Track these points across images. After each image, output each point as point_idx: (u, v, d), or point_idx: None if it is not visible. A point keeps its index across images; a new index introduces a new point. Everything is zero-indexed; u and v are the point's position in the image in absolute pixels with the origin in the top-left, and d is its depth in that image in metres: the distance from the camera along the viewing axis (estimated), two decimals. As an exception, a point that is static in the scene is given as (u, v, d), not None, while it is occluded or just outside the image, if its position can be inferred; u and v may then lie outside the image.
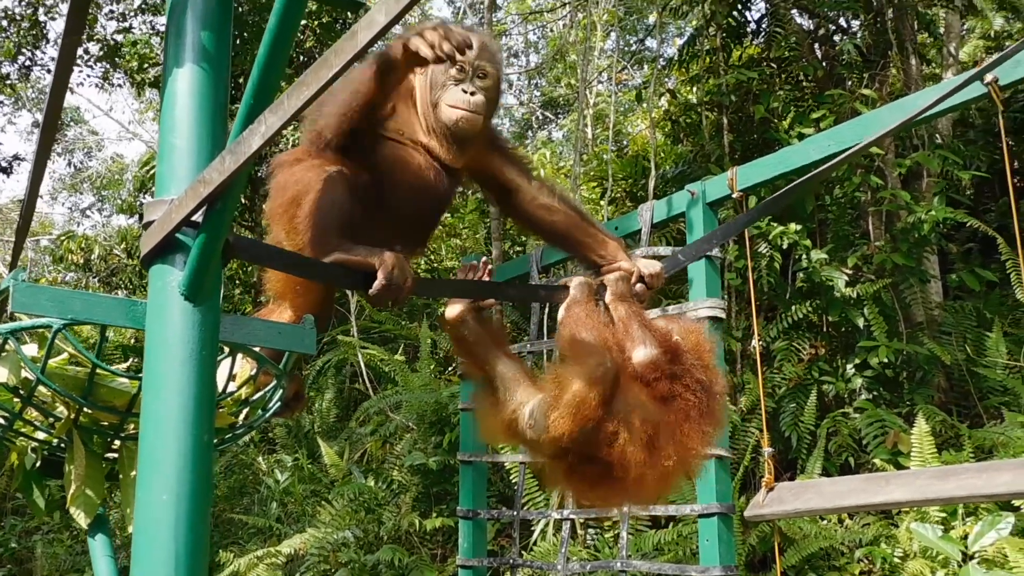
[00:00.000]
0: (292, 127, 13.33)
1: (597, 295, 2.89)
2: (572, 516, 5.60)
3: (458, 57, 2.61)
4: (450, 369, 12.84)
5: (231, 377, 2.63)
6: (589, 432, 2.54)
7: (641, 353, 2.72)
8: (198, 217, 2.12)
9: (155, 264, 2.21)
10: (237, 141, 1.96)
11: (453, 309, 2.86)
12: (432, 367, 12.04)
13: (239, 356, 2.58)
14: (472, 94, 2.83)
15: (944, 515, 7.60)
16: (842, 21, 12.55)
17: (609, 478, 2.62)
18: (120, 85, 17.94)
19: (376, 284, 2.50)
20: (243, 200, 15.65)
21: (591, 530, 9.24)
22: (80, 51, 16.11)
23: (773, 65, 11.95)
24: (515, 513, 5.71)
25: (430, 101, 2.87)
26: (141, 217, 2.26)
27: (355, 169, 2.82)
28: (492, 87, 2.90)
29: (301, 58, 14.23)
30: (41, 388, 2.63)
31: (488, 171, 3.13)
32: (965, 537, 7.21)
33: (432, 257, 17.00)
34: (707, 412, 2.73)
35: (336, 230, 2.64)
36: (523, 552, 8.74)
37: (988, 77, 3.65)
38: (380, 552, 9.12)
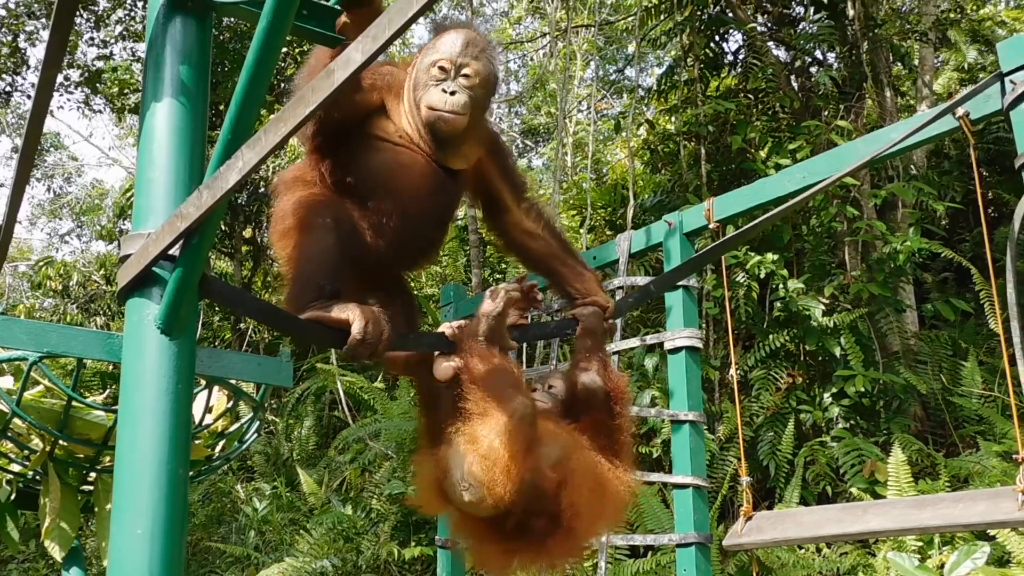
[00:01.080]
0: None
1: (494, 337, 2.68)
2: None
3: (437, 56, 2.59)
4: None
5: (208, 409, 2.63)
6: (530, 483, 2.43)
7: (588, 378, 2.75)
8: (175, 251, 2.12)
9: (132, 297, 2.21)
10: (214, 176, 1.97)
11: (445, 369, 2.67)
12: (411, 395, 12.00)
13: (216, 388, 2.58)
14: (452, 93, 2.68)
15: (921, 544, 7.62)
16: (818, 53, 12.69)
17: (558, 528, 2.53)
18: (100, 111, 17.90)
19: (349, 341, 2.43)
20: (223, 227, 15.63)
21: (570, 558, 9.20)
22: (60, 77, 16.10)
23: (750, 96, 12.06)
24: (493, 543, 5.68)
25: (414, 101, 2.75)
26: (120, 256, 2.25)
27: (351, 181, 2.73)
28: (478, 85, 2.74)
29: (283, 86, 14.27)
30: (16, 420, 2.62)
31: (485, 179, 3.02)
32: (941, 567, 7.23)
33: (412, 285, 16.97)
34: (617, 455, 2.73)
35: (314, 286, 2.52)
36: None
37: (959, 111, 3.70)
38: (358, 582, 9.06)
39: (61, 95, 16.87)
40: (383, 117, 2.79)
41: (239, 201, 14.63)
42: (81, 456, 2.76)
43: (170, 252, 2.12)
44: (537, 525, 2.52)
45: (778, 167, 9.37)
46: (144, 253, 2.16)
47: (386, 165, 2.74)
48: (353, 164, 2.74)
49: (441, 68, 2.70)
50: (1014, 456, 3.61)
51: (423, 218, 2.79)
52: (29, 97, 16.52)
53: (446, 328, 2.72)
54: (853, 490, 8.38)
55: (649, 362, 9.91)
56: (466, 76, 2.72)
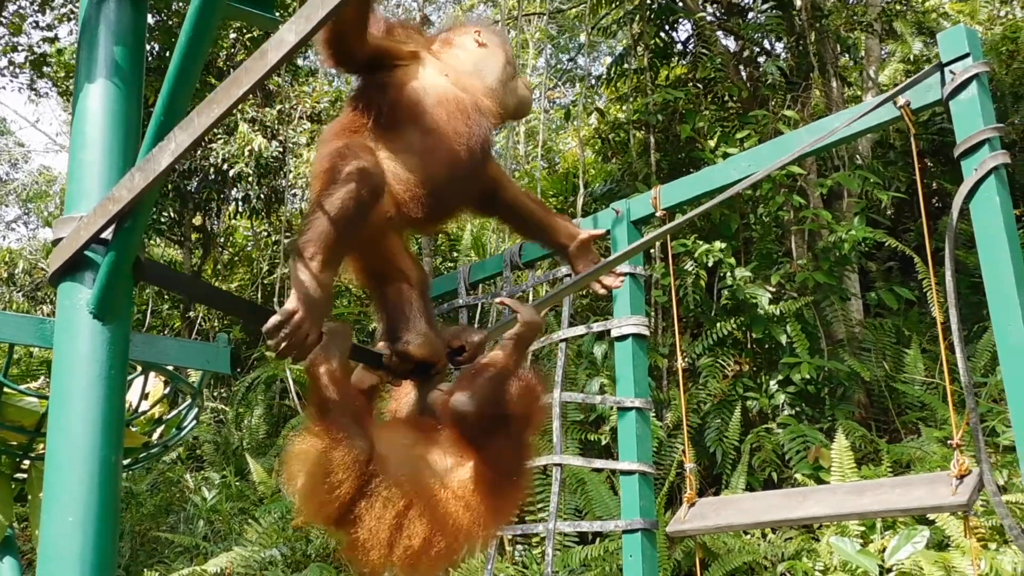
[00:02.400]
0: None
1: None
2: (499, 532, 5.60)
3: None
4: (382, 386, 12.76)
5: (144, 396, 2.59)
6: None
7: (498, 401, 2.59)
8: (108, 235, 2.09)
9: (64, 282, 2.17)
10: (147, 158, 1.95)
11: (364, 379, 2.64)
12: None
13: (152, 374, 2.55)
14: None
15: (863, 529, 7.74)
16: (766, 43, 12.78)
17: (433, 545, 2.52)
18: (46, 95, 17.59)
19: (268, 322, 2.26)
20: (172, 215, 15.47)
21: (519, 546, 9.24)
22: (4, 60, 15.80)
23: (699, 85, 12.13)
24: (441, 530, 5.68)
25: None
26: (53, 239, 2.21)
27: (389, 122, 2.63)
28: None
29: (232, 71, 14.12)
30: (-54, 408, 2.57)
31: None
32: (883, 551, 7.36)
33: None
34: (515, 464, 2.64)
35: (313, 245, 2.35)
36: (450, 569, 8.70)
37: (900, 101, 3.75)
38: (308, 571, 9.03)
39: (5, 77, 16.57)
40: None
41: (188, 188, 14.48)
42: (14, 444, 2.71)
43: (102, 236, 2.09)
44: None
45: (726, 156, 9.43)
46: (76, 237, 2.13)
47: (428, 102, 2.65)
48: (392, 108, 2.64)
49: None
50: (950, 442, 3.67)
51: (461, 166, 2.68)
52: (-30, 80, 16.20)
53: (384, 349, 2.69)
54: (798, 476, 8.49)
55: (598, 349, 9.95)
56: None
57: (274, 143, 13.98)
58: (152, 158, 1.93)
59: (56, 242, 2.20)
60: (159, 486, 12.19)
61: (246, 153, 13.52)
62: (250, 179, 13.80)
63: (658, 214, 4.86)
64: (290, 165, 14.20)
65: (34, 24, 15.63)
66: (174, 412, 2.76)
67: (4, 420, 2.60)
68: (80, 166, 2.23)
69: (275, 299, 14.26)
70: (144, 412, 2.68)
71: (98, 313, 2.11)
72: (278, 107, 14.46)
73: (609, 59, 15.96)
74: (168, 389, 2.65)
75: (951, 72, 3.59)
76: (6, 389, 2.50)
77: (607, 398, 5.27)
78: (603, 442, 9.53)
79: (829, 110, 11.17)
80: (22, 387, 2.63)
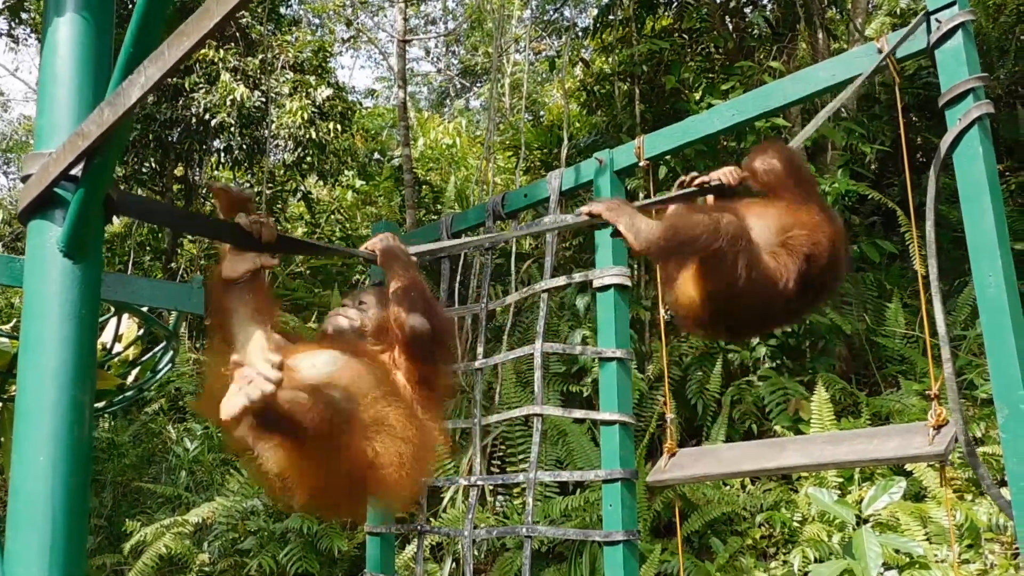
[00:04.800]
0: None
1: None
2: (480, 483, 5.61)
3: None
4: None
5: (117, 338, 2.56)
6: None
7: (415, 321, 2.72)
8: (78, 171, 2.05)
9: (34, 219, 2.14)
10: (116, 92, 1.90)
11: (237, 266, 2.58)
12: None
13: (125, 316, 2.51)
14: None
15: (841, 480, 7.82)
16: (753, -7, 12.68)
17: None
18: (26, 43, 17.30)
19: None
20: (153, 165, 15.31)
21: (500, 497, 9.30)
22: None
23: (685, 36, 12.04)
24: (423, 480, 5.69)
25: None
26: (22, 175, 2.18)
27: None
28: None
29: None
30: (-83, 349, 2.54)
31: None
32: (860, 501, 7.43)
33: (347, 225, 16.85)
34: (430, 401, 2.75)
35: None
36: (432, 519, 8.75)
37: (885, 49, 3.72)
38: (289, 520, 9.06)
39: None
40: None
41: (170, 139, 14.29)
42: (-14, 385, 2.69)
43: (72, 172, 2.05)
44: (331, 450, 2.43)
45: (711, 107, 9.37)
46: (45, 173, 2.09)
47: None
48: None
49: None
50: (927, 392, 3.69)
51: None
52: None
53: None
54: (777, 428, 8.55)
55: (580, 301, 9.95)
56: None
57: (256, 93, 13.83)
58: (122, 92, 1.88)
59: (25, 179, 2.16)
60: (141, 437, 12.17)
61: (228, 103, 13.37)
62: (232, 129, 13.65)
63: (641, 164, 4.83)
64: (272, 115, 14.06)
65: (11, -33, 15.37)
66: (149, 355, 2.73)
67: (-25, 362, 2.57)
68: (49, 101, 2.19)
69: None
70: (118, 354, 2.65)
71: (68, 251, 2.08)
72: (260, 56, 14.27)
73: (595, 11, 15.83)
74: (142, 331, 2.62)
75: (937, 20, 3.57)
76: (-23, 330, 2.47)
77: (588, 349, 5.26)
78: (585, 394, 9.56)
79: (815, 62, 11.10)
80: (-6, 328, 2.60)
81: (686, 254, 2.93)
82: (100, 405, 2.74)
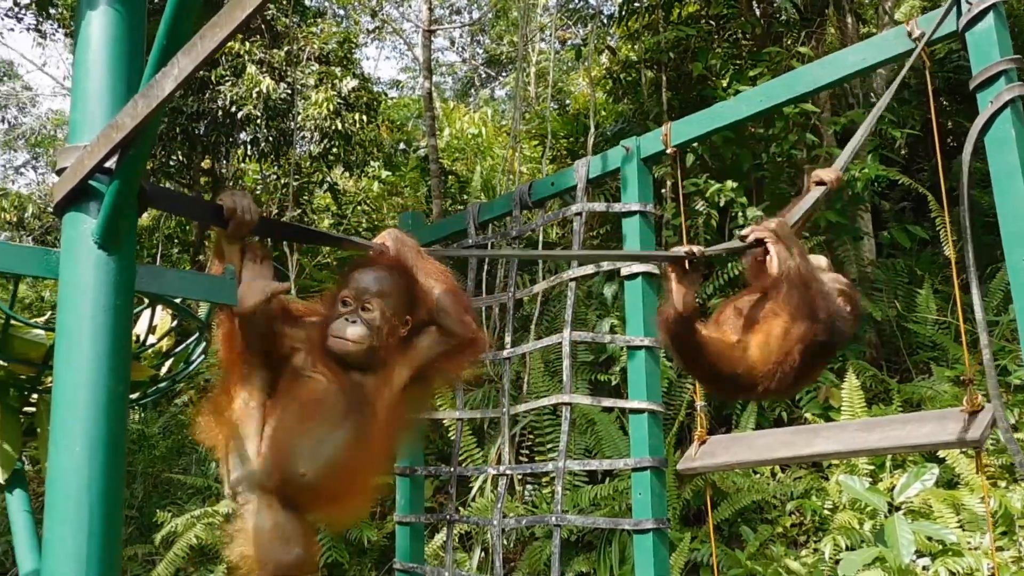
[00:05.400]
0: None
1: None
2: (509, 472, 5.62)
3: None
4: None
5: (151, 329, 2.58)
6: None
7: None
8: (111, 164, 2.06)
9: (68, 212, 2.15)
10: (150, 84, 1.91)
11: (247, 300, 2.58)
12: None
13: (159, 307, 2.53)
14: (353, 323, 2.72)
15: (873, 467, 7.77)
16: (781, -22, 12.58)
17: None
18: (54, 39, 17.43)
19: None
20: (180, 157, 15.40)
21: (529, 486, 9.31)
22: (9, 2, 15.64)
23: (712, 22, 11.96)
24: (453, 470, 5.71)
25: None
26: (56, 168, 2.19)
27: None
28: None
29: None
30: (-46, 341, 2.56)
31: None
32: (892, 489, 7.39)
33: (374, 216, 16.89)
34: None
35: None
36: (460, 508, 8.78)
37: (916, 32, 3.69)
38: (318, 510, 9.10)
39: (11, 19, 16.41)
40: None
41: (197, 132, 14.35)
42: (22, 377, 2.71)
43: (106, 165, 2.06)
44: None
45: (738, 94, 9.32)
46: (80, 166, 2.10)
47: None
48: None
49: (343, 302, 2.75)
50: (962, 378, 3.65)
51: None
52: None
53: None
54: (808, 416, 8.51)
55: (608, 290, 9.93)
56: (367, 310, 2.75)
57: (282, 85, 13.86)
58: (155, 84, 1.89)
59: (60, 172, 2.18)
60: (171, 428, 12.28)
61: (254, 95, 13.41)
62: (258, 121, 13.70)
63: (668, 151, 4.80)
64: (298, 107, 14.10)
65: (37, -37, 15.47)
66: (182, 346, 2.75)
67: (11, 353, 2.59)
68: (82, 94, 2.20)
69: (283, 242, 14.23)
70: (152, 345, 2.67)
71: (103, 243, 2.08)
72: (286, 48, 14.31)
73: (620, -2, 15.76)
74: (176, 322, 2.63)
75: (967, 2, 3.52)
76: (13, 322, 2.49)
77: (617, 338, 5.25)
78: (613, 382, 9.54)
79: (844, 47, 11.00)
80: (28, 319, 2.62)
81: (801, 296, 3.25)
82: (134, 396, 2.76)
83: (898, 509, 7.26)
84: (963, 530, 7.00)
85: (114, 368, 2.06)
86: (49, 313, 2.95)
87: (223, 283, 2.40)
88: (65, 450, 2.01)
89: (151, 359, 2.79)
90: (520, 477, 9.24)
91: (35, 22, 16.67)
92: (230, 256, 2.53)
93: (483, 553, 8.74)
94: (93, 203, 2.12)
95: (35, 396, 2.82)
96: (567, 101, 18.26)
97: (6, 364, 2.68)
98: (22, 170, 30.87)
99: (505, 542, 8.82)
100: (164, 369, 2.84)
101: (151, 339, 2.65)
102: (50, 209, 18.99)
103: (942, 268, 10.17)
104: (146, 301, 2.47)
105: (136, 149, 2.01)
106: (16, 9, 15.96)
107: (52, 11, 15.40)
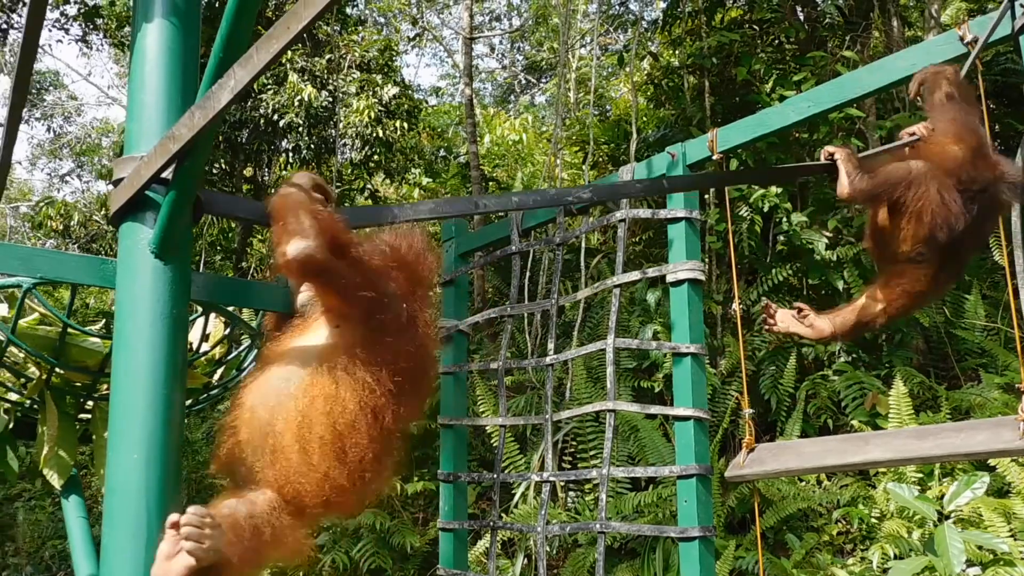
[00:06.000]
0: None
1: None
2: (552, 479, 5.61)
3: None
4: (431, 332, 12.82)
5: (204, 337, 2.60)
6: None
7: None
8: (167, 174, 2.09)
9: (125, 222, 2.18)
10: (206, 96, 1.93)
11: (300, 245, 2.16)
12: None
13: (212, 315, 2.55)
14: None
15: (921, 476, 7.67)
16: (825, -18, 12.48)
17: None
18: (99, 49, 17.70)
19: None
20: (223, 166, 15.56)
21: (572, 493, 9.29)
22: (56, 13, 15.89)
23: (755, 27, 11.89)
24: (496, 476, 5.71)
25: None
26: (113, 179, 2.22)
27: None
28: None
29: (277, 18, 14.07)
30: (12, 349, 2.60)
31: None
32: (941, 497, 7.28)
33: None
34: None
35: None
36: (504, 515, 8.78)
37: (968, 37, 3.63)
38: (361, 516, 9.14)
39: (58, 30, 16.69)
40: None
41: (240, 140, 14.51)
42: (78, 384, 2.75)
43: (163, 175, 2.09)
44: None
45: (782, 99, 9.25)
46: (136, 176, 2.13)
47: None
48: None
49: None
50: (1017, 386, 3.59)
51: None
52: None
53: None
54: (854, 423, 8.41)
55: (651, 296, 9.90)
56: None
57: (323, 93, 13.97)
58: (211, 95, 1.91)
59: (116, 182, 2.21)
60: (214, 434, 12.39)
61: (296, 103, 13.53)
62: (300, 129, 13.81)
63: (714, 157, 4.77)
64: (340, 115, 14.20)
65: (86, -25, 15.70)
66: (234, 353, 2.78)
67: (68, 361, 2.63)
68: (139, 106, 2.23)
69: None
70: (205, 353, 2.70)
71: (159, 252, 2.11)
72: (327, 56, 14.42)
73: (661, 3, 15.72)
74: (228, 330, 2.65)
75: (1021, 6, 3.47)
76: (70, 330, 2.52)
77: (662, 344, 5.22)
78: (656, 389, 9.50)
79: (889, 51, 10.90)
80: (84, 328, 2.66)
81: (884, 198, 3.43)
82: (187, 403, 2.79)
83: (947, 518, 7.15)
84: (1015, 539, 6.89)
85: (171, 376, 2.09)
86: (103, 321, 3.00)
87: (276, 291, 2.43)
88: (124, 457, 2.04)
89: (204, 366, 2.82)
90: (563, 484, 9.22)
91: (81, 33, 16.92)
92: None
93: (526, 560, 8.72)
94: (149, 213, 2.15)
95: (90, 403, 2.85)
96: (607, 107, 18.23)
97: (63, 371, 2.71)
98: (67, 178, 31.33)
99: (548, 549, 8.81)
100: (216, 376, 2.87)
101: (204, 346, 2.68)
102: (96, 217, 19.28)
103: (991, 273, 10.02)
104: (199, 309, 2.49)
105: (192, 159, 2.03)
106: (63, 20, 16.21)
107: (98, 21, 15.62)
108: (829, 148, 3.64)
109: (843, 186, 3.47)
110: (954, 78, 3.53)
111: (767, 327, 3.86)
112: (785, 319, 3.85)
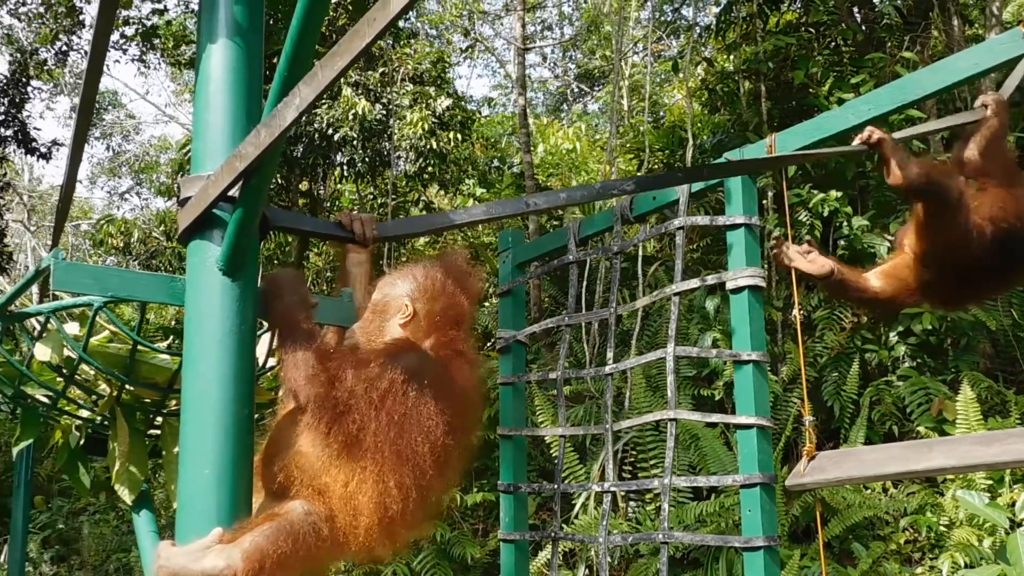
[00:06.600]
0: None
1: None
2: (613, 489, 5.58)
3: None
4: (488, 344, 12.84)
5: (271, 352, 2.63)
6: None
7: None
8: (234, 192, 2.11)
9: (193, 240, 2.21)
10: (272, 114, 1.95)
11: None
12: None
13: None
14: None
15: (991, 482, 7.51)
16: (882, -18, 12.32)
17: None
18: (156, 68, 18.04)
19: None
20: (279, 180, 15.75)
21: (632, 503, 9.24)
22: (116, 34, 16.19)
23: (811, 30, 11.76)
24: (556, 487, 5.69)
25: None
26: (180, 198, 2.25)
27: None
28: None
29: (333, 36, 14.22)
30: (83, 366, 2.65)
31: None
32: (1013, 504, 7.13)
33: (469, 233, 17.00)
34: None
35: None
36: (564, 525, 8.75)
37: (1031, 33, 3.56)
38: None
39: (117, 51, 17.01)
40: None
41: (295, 154, 14.67)
42: (148, 400, 2.79)
43: (230, 193, 2.11)
44: None
45: (840, 102, 9.14)
46: (204, 195, 2.16)
47: None
48: None
49: None
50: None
51: None
52: (86, 54, 16.64)
53: None
54: (920, 429, 8.27)
55: (710, 304, 9.83)
56: None
57: (377, 106, 14.07)
58: (277, 113, 1.93)
59: (183, 202, 2.24)
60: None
61: (350, 117, 13.65)
62: (354, 143, 13.93)
63: (773, 162, 4.73)
64: (394, 128, 14.30)
65: (144, -4, 16.02)
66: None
67: (138, 377, 2.67)
68: (204, 126, 2.26)
69: (383, 261, 14.43)
70: (271, 368, 2.73)
71: (227, 269, 2.14)
72: (380, 70, 14.53)
73: (715, 8, 15.62)
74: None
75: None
76: (139, 347, 2.56)
77: (723, 352, 5.18)
78: (716, 397, 9.42)
79: (950, 50, 10.72)
80: (154, 344, 2.70)
81: (930, 195, 3.37)
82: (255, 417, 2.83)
83: (1019, 525, 7.00)
84: (1089, 547, 6.72)
85: (240, 392, 2.11)
86: (171, 338, 3.05)
87: (341, 305, 2.45)
88: (195, 473, 2.07)
89: (269, 382, 2.85)
90: (623, 494, 9.17)
91: (139, 53, 17.23)
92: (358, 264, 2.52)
93: (587, 570, 8.69)
94: (217, 231, 2.18)
95: (159, 419, 2.89)
96: (661, 113, 18.15)
97: (133, 388, 2.75)
98: (127, 196, 31.93)
99: (610, 559, 8.76)
100: (281, 392, 2.89)
101: (270, 362, 2.71)
102: (155, 234, 19.59)
103: (1059, 274, 9.80)
104: (264, 324, 2.51)
105: (259, 177, 2.06)
106: (122, 41, 16.52)
107: (155, 41, 15.90)
108: (870, 128, 3.57)
109: (895, 175, 3.40)
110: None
111: (778, 261, 3.85)
112: (792, 255, 3.81)
